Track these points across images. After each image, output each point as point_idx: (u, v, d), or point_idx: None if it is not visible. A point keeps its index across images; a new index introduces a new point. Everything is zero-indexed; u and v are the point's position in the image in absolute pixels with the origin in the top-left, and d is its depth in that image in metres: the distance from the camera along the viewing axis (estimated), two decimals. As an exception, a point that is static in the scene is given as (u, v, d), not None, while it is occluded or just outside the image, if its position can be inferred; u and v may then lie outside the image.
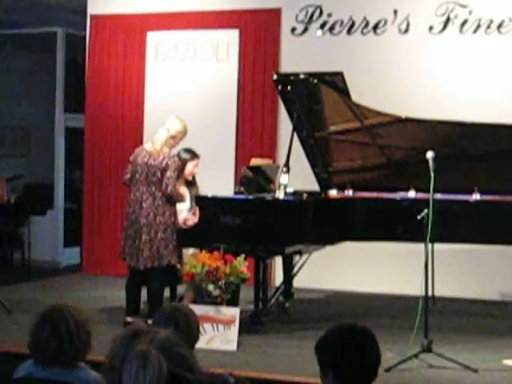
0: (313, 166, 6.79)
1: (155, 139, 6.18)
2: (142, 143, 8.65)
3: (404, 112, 6.25)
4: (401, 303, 6.98)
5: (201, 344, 5.05)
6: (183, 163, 6.55)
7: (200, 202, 6.11)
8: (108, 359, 2.31)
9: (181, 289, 6.47)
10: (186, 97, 8.53)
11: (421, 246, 5.31)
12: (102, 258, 8.76)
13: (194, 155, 6.60)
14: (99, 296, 7.45)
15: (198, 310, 5.39)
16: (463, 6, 7.70)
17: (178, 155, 6.58)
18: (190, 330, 3.20)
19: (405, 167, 6.41)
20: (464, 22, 7.71)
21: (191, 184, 6.68)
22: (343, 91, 6.28)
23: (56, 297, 7.07)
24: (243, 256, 5.78)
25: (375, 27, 7.98)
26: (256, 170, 6.66)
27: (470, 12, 7.68)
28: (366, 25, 8.00)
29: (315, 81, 6.23)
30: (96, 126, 8.95)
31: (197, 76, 8.54)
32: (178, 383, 2.04)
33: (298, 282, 7.17)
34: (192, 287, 5.93)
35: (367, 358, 2.60)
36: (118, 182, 8.77)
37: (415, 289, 5.34)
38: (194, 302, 5.79)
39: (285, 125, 7.53)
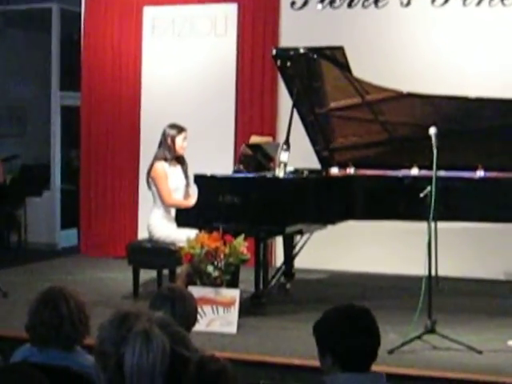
0: (313, 143, 6.68)
1: None
2: (139, 120, 8.59)
3: (406, 87, 6.11)
4: (403, 283, 6.89)
5: (200, 327, 5.01)
6: (172, 139, 6.45)
7: (198, 180, 5.99)
8: (97, 344, 2.32)
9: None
10: (184, 73, 8.40)
11: (424, 225, 5.19)
12: (100, 239, 8.67)
13: (180, 129, 6.50)
14: (97, 278, 7.38)
15: (197, 291, 5.33)
16: (466, -22, 7.57)
17: (164, 133, 6.49)
18: (187, 312, 3.19)
19: (407, 144, 6.30)
20: (467, -6, 7.59)
21: (182, 160, 6.59)
22: (344, 66, 6.16)
23: (53, 279, 6.98)
24: (243, 236, 5.67)
25: (376, 0, 7.84)
26: (255, 147, 6.54)
27: (474, -16, 7.56)
28: (367, -2, 7.87)
29: (315, 55, 6.10)
30: (92, 104, 8.82)
31: (195, 51, 8.39)
32: (178, 361, 2.02)
33: (299, 263, 7.07)
34: (188, 268, 5.83)
35: (365, 340, 2.56)
36: (115, 162, 8.69)
37: (418, 268, 5.25)
38: (187, 283, 5.69)
39: (285, 101, 7.40)
